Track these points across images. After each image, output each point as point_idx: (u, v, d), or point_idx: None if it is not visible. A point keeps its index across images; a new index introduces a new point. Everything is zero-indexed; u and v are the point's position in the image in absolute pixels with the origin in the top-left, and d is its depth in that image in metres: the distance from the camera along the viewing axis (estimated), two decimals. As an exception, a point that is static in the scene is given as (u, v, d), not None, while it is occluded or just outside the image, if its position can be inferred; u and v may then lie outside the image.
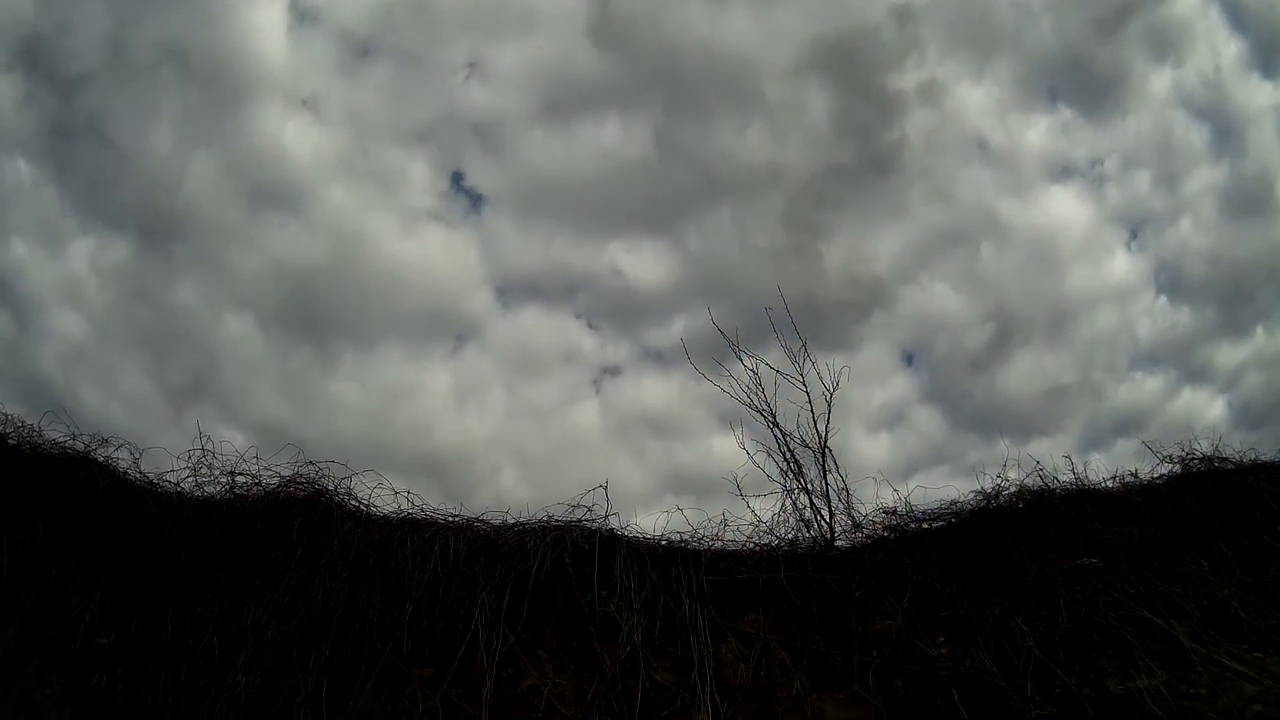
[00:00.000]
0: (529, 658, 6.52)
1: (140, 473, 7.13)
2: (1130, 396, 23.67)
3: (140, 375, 20.97)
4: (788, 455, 7.90)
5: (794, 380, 8.06)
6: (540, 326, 26.85)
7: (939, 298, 25.65)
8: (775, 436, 7.98)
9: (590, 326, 27.76)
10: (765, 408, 8.05)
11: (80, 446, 7.10)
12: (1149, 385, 24.82)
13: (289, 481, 7.18)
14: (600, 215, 28.73)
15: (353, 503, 7.30)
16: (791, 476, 7.85)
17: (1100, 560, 7.26)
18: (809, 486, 7.81)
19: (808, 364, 8.04)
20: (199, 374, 20.26)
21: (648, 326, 27.28)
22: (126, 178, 24.07)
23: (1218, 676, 6.24)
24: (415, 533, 7.04)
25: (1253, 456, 8.49)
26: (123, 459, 7.17)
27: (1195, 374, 25.82)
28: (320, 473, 7.32)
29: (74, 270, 22.66)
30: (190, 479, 7.15)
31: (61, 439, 7.11)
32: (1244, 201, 26.74)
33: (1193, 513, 7.76)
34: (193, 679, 5.73)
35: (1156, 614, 6.71)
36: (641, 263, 27.76)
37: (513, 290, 28.97)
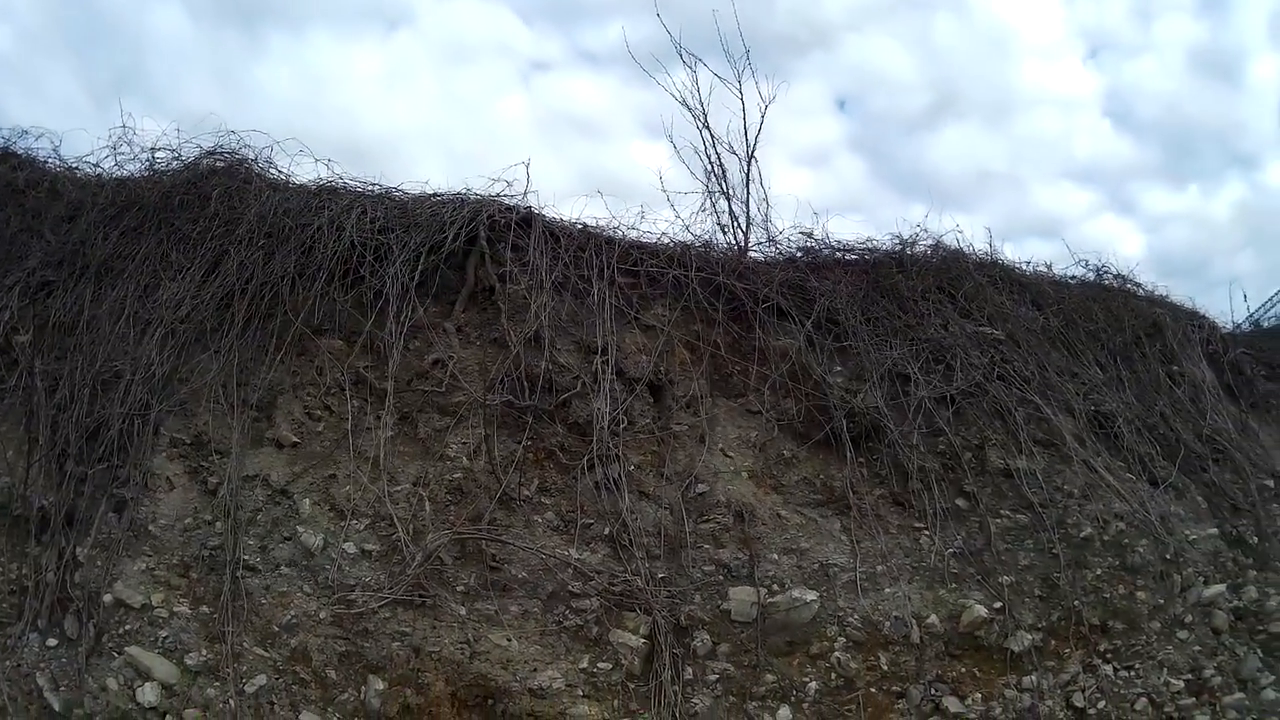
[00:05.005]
0: (437, 331, 6.59)
1: (59, 159, 7.14)
2: (1053, 204, 23.81)
3: (68, 77, 21.15)
4: (714, 158, 7.67)
5: (730, 85, 7.76)
6: (474, 15, 25.41)
7: (884, 54, 23.64)
8: (704, 138, 7.77)
9: (524, 21, 27.04)
10: (698, 107, 7.78)
11: (-1, 142, 7.00)
12: (1074, 199, 24.85)
13: (209, 153, 7.02)
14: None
15: (273, 172, 7.11)
16: (715, 180, 7.63)
17: (1002, 335, 6.96)
18: (730, 192, 7.60)
19: (746, 75, 7.86)
20: (126, 70, 20.62)
21: (583, 28, 26.58)
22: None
23: (1092, 483, 6.31)
24: (333, 201, 6.87)
25: (1164, 294, 8.33)
26: (43, 149, 7.18)
27: (1123, 205, 26.75)
28: (242, 143, 7.10)
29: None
30: (110, 159, 7.07)
31: (-22, 137, 7.00)
32: (1212, 66, 25.47)
33: (1098, 322, 7.44)
34: (109, 363, 5.98)
35: (1046, 403, 6.54)
36: (584, -41, 23.14)
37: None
